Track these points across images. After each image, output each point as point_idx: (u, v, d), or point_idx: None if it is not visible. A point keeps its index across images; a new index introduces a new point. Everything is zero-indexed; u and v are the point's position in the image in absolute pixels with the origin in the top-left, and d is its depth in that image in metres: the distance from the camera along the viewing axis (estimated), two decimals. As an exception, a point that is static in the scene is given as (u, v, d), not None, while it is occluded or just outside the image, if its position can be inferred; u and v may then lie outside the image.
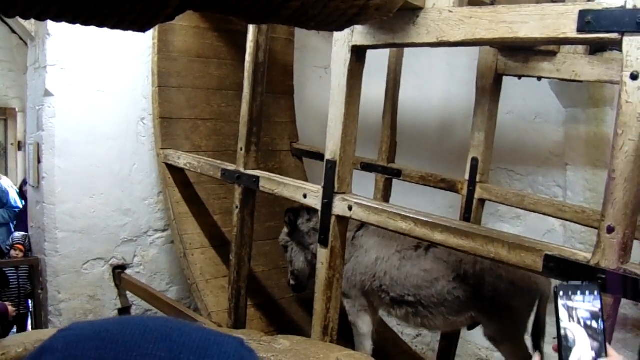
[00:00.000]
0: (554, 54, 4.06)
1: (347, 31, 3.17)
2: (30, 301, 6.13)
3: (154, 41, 5.36)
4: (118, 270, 5.57)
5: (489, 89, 4.47)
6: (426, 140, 5.98)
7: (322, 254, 3.51)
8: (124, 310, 5.57)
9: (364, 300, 4.36)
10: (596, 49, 4.07)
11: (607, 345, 1.20)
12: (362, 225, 4.38)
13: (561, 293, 1.23)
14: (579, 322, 1.20)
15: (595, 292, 1.23)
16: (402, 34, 2.93)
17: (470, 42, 2.73)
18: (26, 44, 5.94)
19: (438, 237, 2.87)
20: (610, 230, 2.19)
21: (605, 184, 2.24)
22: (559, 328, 1.21)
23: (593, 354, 1.18)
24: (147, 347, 0.70)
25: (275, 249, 5.24)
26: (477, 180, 4.54)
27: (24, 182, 7.57)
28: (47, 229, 5.27)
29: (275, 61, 5.57)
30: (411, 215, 3.02)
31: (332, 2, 2.29)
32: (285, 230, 4.77)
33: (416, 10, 2.83)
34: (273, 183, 4.00)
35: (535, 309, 3.88)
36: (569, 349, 1.19)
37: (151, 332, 0.72)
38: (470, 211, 4.60)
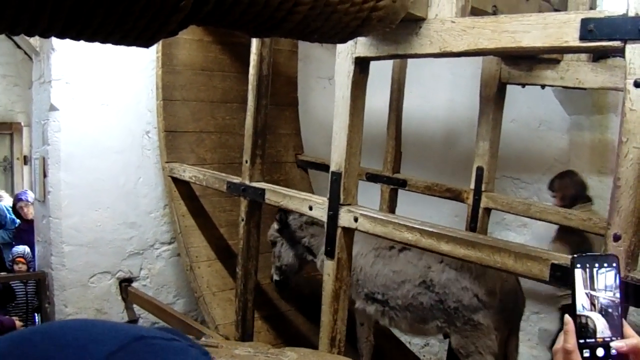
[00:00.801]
0: (557, 61, 4.07)
1: (350, 43, 3.18)
2: (37, 315, 6.13)
3: (157, 55, 5.37)
4: (125, 284, 5.57)
5: (493, 97, 4.48)
6: (431, 149, 5.98)
7: (329, 266, 3.50)
8: (131, 323, 5.56)
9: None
10: (599, 56, 4.08)
11: (624, 322, 1.18)
12: None
13: (578, 264, 1.20)
14: (595, 295, 1.18)
15: (614, 264, 1.20)
16: (405, 45, 2.93)
17: (473, 52, 2.73)
18: (31, 58, 5.97)
19: (444, 247, 2.87)
20: (617, 238, 2.18)
21: (610, 191, 2.23)
22: (574, 301, 1.18)
23: (609, 330, 1.16)
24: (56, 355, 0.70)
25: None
26: (483, 189, 4.55)
27: (18, 199, 7.52)
28: (54, 243, 5.27)
29: (279, 73, 5.59)
30: (417, 226, 3.02)
31: (335, 14, 2.30)
32: (275, 226, 4.83)
33: (419, 21, 2.84)
34: (278, 195, 4.00)
35: (504, 328, 3.87)
36: (585, 324, 1.16)
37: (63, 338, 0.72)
38: (476, 220, 4.60)
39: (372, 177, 5.41)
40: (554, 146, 5.04)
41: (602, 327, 1.16)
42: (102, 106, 5.39)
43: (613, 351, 1.15)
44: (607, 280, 1.19)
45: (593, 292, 1.18)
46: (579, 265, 1.20)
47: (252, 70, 4.28)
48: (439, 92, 5.95)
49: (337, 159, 3.38)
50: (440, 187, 5.00)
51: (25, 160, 9.68)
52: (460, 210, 5.16)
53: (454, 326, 3.84)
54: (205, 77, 5.59)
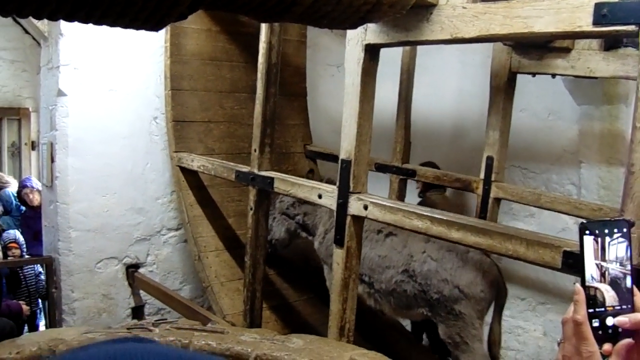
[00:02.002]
0: (568, 50, 4.04)
1: (360, 30, 3.17)
2: (39, 301, 6.17)
3: (166, 45, 5.36)
4: (131, 269, 5.58)
5: (503, 87, 4.45)
6: (440, 139, 5.95)
7: (338, 255, 3.47)
8: (138, 309, 5.58)
9: None
10: (610, 45, 4.04)
11: (636, 291, 1.15)
12: None
13: (587, 231, 1.15)
14: (605, 266, 1.14)
15: (624, 229, 1.16)
16: (416, 32, 2.91)
17: (484, 38, 2.70)
18: (39, 44, 5.96)
19: (455, 235, 2.85)
20: (631, 225, 2.16)
21: (623, 180, 2.21)
22: (583, 270, 1.14)
23: (620, 301, 1.12)
24: None
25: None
26: (493, 179, 4.53)
27: (22, 186, 7.52)
28: (61, 228, 5.29)
29: (287, 63, 5.58)
30: (427, 214, 3.01)
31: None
32: None
33: (430, 7, 2.82)
34: (287, 184, 3.99)
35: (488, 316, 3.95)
36: (594, 295, 1.13)
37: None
38: (486, 210, 4.59)
39: (382, 168, 5.39)
40: (563, 136, 5.01)
41: (611, 300, 1.13)
42: (110, 92, 5.39)
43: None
44: (618, 249, 1.15)
45: (603, 262, 1.14)
46: (588, 232, 1.15)
47: (261, 59, 4.26)
48: (449, 82, 5.92)
49: (346, 147, 3.36)
50: (450, 177, 4.98)
51: (33, 145, 9.69)
52: (469, 201, 5.16)
53: (438, 316, 3.90)
54: (213, 67, 5.58)
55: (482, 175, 4.61)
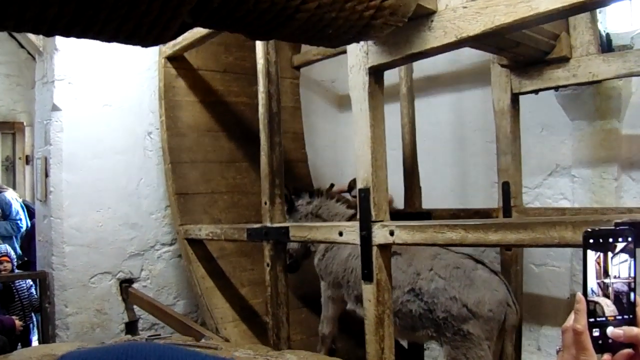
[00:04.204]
0: (567, 59, 3.98)
1: (361, 54, 3.15)
2: (33, 315, 6.13)
3: (161, 119, 5.41)
4: (125, 284, 5.56)
5: (507, 110, 4.37)
6: (444, 173, 5.88)
7: (368, 291, 3.26)
8: (131, 324, 5.56)
9: (335, 290, 4.48)
10: (608, 48, 4.02)
11: (638, 299, 1.12)
12: (351, 218, 4.43)
13: (591, 239, 1.13)
14: (608, 271, 1.12)
15: (629, 238, 1.12)
16: (419, 42, 2.86)
17: (490, 32, 2.62)
18: (34, 58, 5.98)
19: (493, 237, 2.72)
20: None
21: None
22: (585, 283, 1.12)
23: (620, 307, 1.11)
24: None
25: (311, 316, 5.21)
26: (512, 204, 4.37)
27: None
28: (55, 243, 5.28)
29: (285, 130, 5.54)
30: (459, 224, 2.88)
31: (348, 3, 2.28)
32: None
33: (430, 15, 2.79)
34: (304, 229, 3.87)
35: (497, 338, 3.80)
36: (593, 309, 1.11)
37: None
38: None
39: (395, 216, 5.28)
40: (556, 151, 5.02)
41: (611, 311, 1.11)
42: (104, 107, 5.40)
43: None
44: (621, 258, 1.13)
45: (606, 272, 1.12)
46: (591, 241, 1.13)
47: (261, 108, 4.24)
48: (447, 118, 5.87)
49: (363, 175, 3.24)
50: (467, 212, 4.78)
51: (27, 160, 9.68)
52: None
53: (444, 337, 3.78)
54: (211, 138, 5.61)
55: (500, 203, 4.45)
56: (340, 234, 3.46)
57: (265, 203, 4.20)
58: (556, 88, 4.31)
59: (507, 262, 4.37)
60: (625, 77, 4.08)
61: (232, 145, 5.72)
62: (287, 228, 3.98)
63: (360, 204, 3.25)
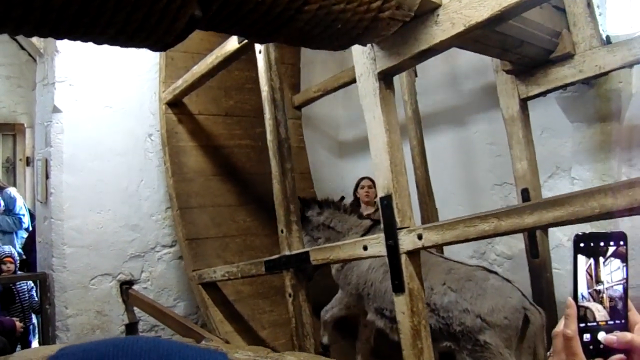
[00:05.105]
0: (571, 56, 3.92)
1: (368, 61, 3.13)
2: (33, 316, 6.13)
3: (166, 165, 5.43)
4: (125, 286, 5.56)
5: (517, 116, 4.32)
6: (458, 190, 5.85)
7: (400, 302, 3.10)
8: (131, 325, 5.56)
9: (353, 299, 4.44)
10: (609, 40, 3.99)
11: (630, 305, 1.11)
12: (370, 229, 4.42)
13: (581, 243, 1.10)
14: (599, 276, 1.10)
15: (621, 242, 1.10)
16: (427, 38, 2.83)
17: (498, 16, 2.57)
18: (35, 60, 5.98)
19: (529, 220, 2.61)
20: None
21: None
22: (575, 288, 1.10)
23: (613, 316, 1.09)
24: None
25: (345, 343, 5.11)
26: None
27: None
28: (55, 245, 5.28)
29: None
30: (490, 213, 2.78)
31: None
32: None
33: (435, 9, 2.77)
34: (325, 251, 3.75)
35: (520, 344, 3.75)
36: (584, 314, 1.09)
37: (137, 353, 0.72)
38: (536, 244, 4.32)
39: None
40: (556, 153, 5.02)
41: (602, 316, 1.09)
42: (105, 108, 5.41)
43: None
44: (612, 263, 1.11)
45: (597, 277, 1.10)
46: (582, 245, 1.10)
47: (269, 136, 4.22)
48: (455, 134, 5.85)
49: (382, 182, 3.14)
50: None
51: (28, 161, 9.68)
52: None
53: (465, 349, 3.73)
54: (218, 182, 5.62)
55: None
56: (365, 248, 3.35)
57: (282, 231, 4.13)
58: (565, 87, 4.25)
59: (536, 269, 4.30)
60: (631, 66, 3.95)
61: (240, 188, 5.72)
62: (307, 253, 3.88)
63: (383, 213, 3.14)
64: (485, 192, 5.41)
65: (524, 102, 4.35)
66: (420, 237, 2.99)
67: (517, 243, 4.91)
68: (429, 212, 5.10)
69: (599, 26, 4.03)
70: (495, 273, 3.95)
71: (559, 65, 4.04)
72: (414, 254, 3.09)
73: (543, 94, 4.26)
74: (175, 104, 5.53)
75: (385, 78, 3.15)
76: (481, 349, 3.67)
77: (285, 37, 2.49)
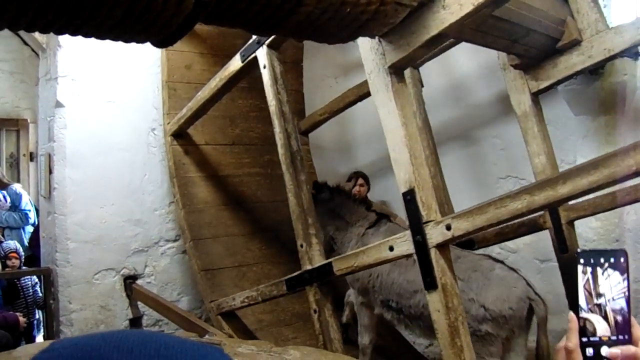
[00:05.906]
0: (578, 42, 3.84)
1: (377, 57, 3.08)
2: (37, 311, 6.15)
3: (176, 197, 5.40)
4: (129, 281, 5.57)
5: (530, 111, 4.23)
6: (476, 189, 5.81)
7: (434, 299, 3.00)
8: (135, 320, 5.57)
9: (365, 296, 4.45)
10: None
11: (633, 321, 1.10)
12: (375, 223, 4.41)
13: (582, 260, 1.11)
14: (600, 292, 1.10)
15: (621, 259, 1.11)
16: (436, 23, 2.75)
17: None
18: (38, 55, 5.98)
19: (563, 190, 2.52)
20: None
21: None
22: (577, 297, 1.11)
23: (615, 330, 1.09)
24: None
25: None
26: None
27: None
28: (59, 240, 5.29)
29: None
30: (521, 190, 2.70)
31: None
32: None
33: None
34: (350, 259, 3.59)
35: (525, 332, 3.79)
36: (584, 326, 1.09)
37: (129, 347, 0.71)
38: (564, 239, 4.21)
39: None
40: (561, 147, 4.99)
41: (603, 330, 1.10)
42: (108, 103, 5.40)
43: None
44: (613, 279, 1.12)
45: (598, 292, 1.11)
46: (582, 261, 1.12)
47: (281, 149, 4.15)
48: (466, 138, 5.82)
49: (404, 176, 3.04)
50: (512, 227, 4.54)
51: (32, 156, 9.68)
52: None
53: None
54: (230, 211, 5.57)
55: None
56: (391, 248, 3.23)
57: (302, 246, 4.02)
58: (575, 75, 4.15)
59: (567, 265, 4.17)
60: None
61: (252, 216, 5.67)
62: (329, 264, 3.74)
63: (407, 208, 3.04)
64: (491, 187, 5.39)
65: (535, 97, 4.26)
66: (449, 227, 2.89)
67: (522, 237, 4.89)
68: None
69: (602, 9, 3.97)
70: (502, 262, 3.97)
71: (567, 54, 3.94)
72: (444, 247, 2.99)
73: (554, 85, 4.17)
74: (181, 135, 5.49)
75: (397, 72, 3.10)
76: (483, 339, 3.70)
77: (290, 29, 2.48)
